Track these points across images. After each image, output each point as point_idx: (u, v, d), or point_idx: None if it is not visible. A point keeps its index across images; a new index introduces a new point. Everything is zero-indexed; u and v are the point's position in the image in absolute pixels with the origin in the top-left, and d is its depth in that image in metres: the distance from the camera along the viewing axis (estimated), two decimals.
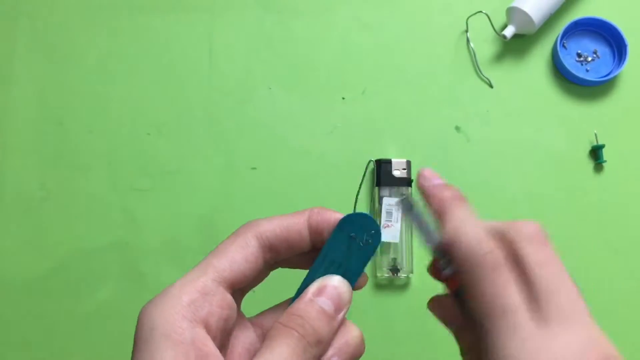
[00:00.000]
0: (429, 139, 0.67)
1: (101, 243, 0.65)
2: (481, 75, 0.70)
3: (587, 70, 0.70)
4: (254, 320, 0.31)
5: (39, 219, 0.66)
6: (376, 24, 0.71)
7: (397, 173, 0.64)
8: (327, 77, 0.70)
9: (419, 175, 0.32)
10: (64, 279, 0.64)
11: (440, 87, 0.69)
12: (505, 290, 0.26)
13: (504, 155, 0.67)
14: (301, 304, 0.28)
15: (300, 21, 0.71)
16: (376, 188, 0.65)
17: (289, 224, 0.30)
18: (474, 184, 0.66)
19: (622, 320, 0.63)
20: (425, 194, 0.31)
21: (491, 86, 0.69)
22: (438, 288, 0.33)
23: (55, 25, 0.71)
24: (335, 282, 0.28)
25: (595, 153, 0.67)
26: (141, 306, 0.26)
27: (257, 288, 0.31)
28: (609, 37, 0.70)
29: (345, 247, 0.29)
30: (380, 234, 0.30)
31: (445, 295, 0.31)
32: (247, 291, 0.31)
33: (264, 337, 0.28)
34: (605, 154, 0.66)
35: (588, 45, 0.71)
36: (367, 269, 0.33)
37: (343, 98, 0.69)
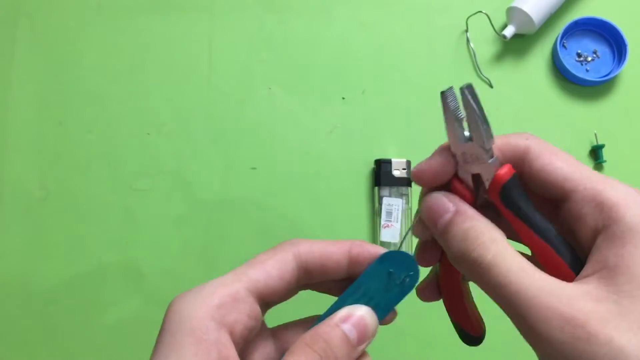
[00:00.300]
0: (429, 139, 0.67)
1: (101, 243, 0.65)
2: (481, 75, 0.70)
3: (587, 70, 0.70)
4: (275, 332, 0.31)
5: (39, 219, 0.66)
6: (376, 24, 0.71)
7: (397, 173, 0.64)
8: (327, 77, 0.70)
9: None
10: (64, 279, 0.64)
11: (440, 87, 0.69)
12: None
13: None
14: (327, 327, 0.28)
15: (300, 21, 0.71)
16: (376, 188, 0.65)
17: (330, 251, 0.30)
18: None
19: None
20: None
21: (491, 86, 0.69)
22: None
23: (55, 25, 0.71)
24: (363, 312, 0.28)
25: (595, 153, 0.67)
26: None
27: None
28: (609, 37, 0.70)
29: (381, 281, 0.30)
30: (418, 275, 0.30)
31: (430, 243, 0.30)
32: (272, 305, 0.31)
33: (282, 351, 0.28)
34: (605, 154, 0.66)
35: (588, 45, 0.71)
36: None
37: (343, 98, 0.69)
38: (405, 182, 0.64)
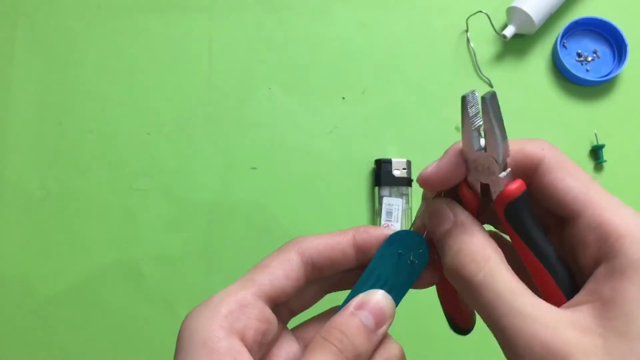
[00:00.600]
0: (429, 139, 0.67)
1: (101, 243, 0.65)
2: (481, 75, 0.70)
3: (587, 70, 0.70)
4: (296, 332, 0.31)
5: (39, 219, 0.66)
6: (376, 23, 0.71)
7: (397, 173, 0.64)
8: (327, 77, 0.70)
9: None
10: (64, 279, 0.64)
11: (440, 87, 0.69)
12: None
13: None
14: (342, 317, 0.28)
15: (300, 21, 0.71)
16: (376, 188, 0.65)
17: (334, 242, 0.30)
18: None
19: None
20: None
21: (491, 86, 0.69)
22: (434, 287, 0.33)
23: (55, 25, 0.71)
24: (378, 297, 0.28)
25: (596, 153, 0.67)
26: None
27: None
28: (609, 37, 0.70)
29: (392, 263, 0.29)
30: (427, 253, 0.29)
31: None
32: (297, 312, 0.31)
33: (306, 349, 0.28)
34: (606, 154, 0.66)
35: (588, 45, 0.71)
36: None
37: (343, 98, 0.69)
38: (406, 182, 0.64)
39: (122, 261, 0.65)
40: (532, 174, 0.27)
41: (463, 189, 0.28)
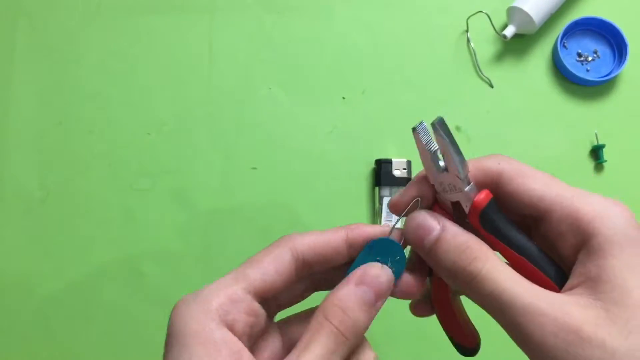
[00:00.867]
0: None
1: (101, 243, 0.65)
2: (481, 75, 0.70)
3: (587, 70, 0.70)
4: (281, 325, 0.32)
5: (39, 219, 0.66)
6: (376, 24, 0.71)
7: (397, 173, 0.64)
8: (327, 77, 0.70)
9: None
10: (64, 278, 0.64)
11: (441, 87, 0.69)
12: None
13: (504, 154, 0.67)
14: (342, 292, 0.28)
15: (300, 21, 0.71)
16: (376, 188, 0.65)
17: (326, 239, 0.31)
18: None
19: None
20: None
21: (491, 86, 0.69)
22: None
23: (55, 25, 0.71)
24: (376, 270, 0.29)
25: (596, 153, 0.67)
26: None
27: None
28: (610, 36, 0.70)
29: None
30: (404, 260, 0.30)
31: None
32: (285, 306, 0.32)
33: (289, 343, 0.29)
34: (606, 153, 0.66)
35: (588, 45, 0.71)
36: None
37: (343, 98, 0.69)
38: (406, 182, 0.64)
39: (122, 261, 0.65)
40: (494, 187, 0.29)
41: (436, 210, 0.30)
